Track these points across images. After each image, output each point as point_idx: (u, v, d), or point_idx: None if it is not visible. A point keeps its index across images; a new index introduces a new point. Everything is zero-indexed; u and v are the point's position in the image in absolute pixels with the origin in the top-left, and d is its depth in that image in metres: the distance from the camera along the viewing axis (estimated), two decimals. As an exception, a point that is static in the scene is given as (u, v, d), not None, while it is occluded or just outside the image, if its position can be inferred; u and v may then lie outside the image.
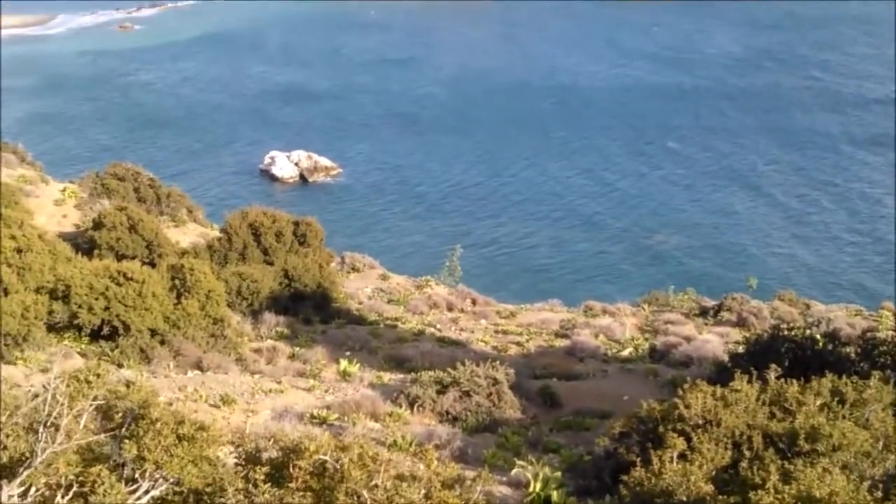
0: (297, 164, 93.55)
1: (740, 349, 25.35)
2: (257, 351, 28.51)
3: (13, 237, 25.71)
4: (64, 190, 43.33)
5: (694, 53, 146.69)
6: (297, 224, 37.81)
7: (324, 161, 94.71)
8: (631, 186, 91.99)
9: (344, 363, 27.31)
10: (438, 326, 37.09)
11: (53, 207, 41.54)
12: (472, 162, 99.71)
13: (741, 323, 37.21)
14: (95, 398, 10.47)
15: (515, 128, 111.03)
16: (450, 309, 41.06)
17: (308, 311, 35.57)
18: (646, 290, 47.69)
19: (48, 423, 9.91)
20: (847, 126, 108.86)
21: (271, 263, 36.07)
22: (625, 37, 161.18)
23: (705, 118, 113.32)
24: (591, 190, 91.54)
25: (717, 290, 50.35)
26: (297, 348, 29.38)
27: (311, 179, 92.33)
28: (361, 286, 43.43)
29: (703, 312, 40.73)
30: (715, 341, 32.58)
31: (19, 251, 25.21)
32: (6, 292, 22.92)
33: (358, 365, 27.51)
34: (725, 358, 25.84)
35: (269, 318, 32.21)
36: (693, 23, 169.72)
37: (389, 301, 41.64)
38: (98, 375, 10.72)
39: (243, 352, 27.57)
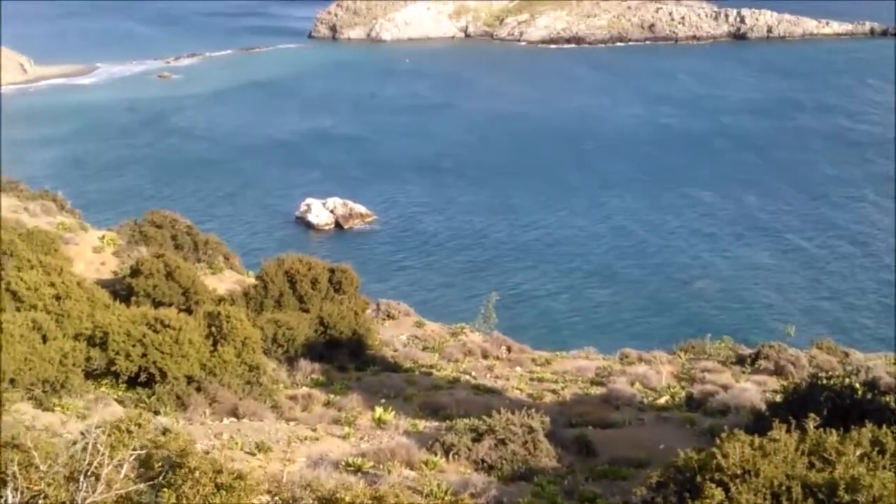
0: (332, 212, 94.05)
1: (778, 398, 25.02)
2: (293, 398, 28.49)
3: (52, 284, 26.00)
4: (102, 237, 43.73)
5: (719, 100, 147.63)
6: (332, 271, 37.90)
7: (359, 208, 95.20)
8: (657, 234, 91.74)
9: (379, 410, 27.24)
10: (473, 374, 36.93)
11: (92, 255, 41.91)
12: (502, 208, 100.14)
13: (779, 371, 36.78)
14: (135, 448, 10.54)
15: (542, 174, 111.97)
16: (485, 356, 40.89)
17: (343, 358, 35.53)
18: (680, 339, 47.35)
19: (88, 473, 9.97)
20: (872, 174, 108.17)
21: (307, 310, 36.14)
22: (652, 84, 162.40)
23: (729, 165, 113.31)
24: (618, 238, 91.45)
25: (750, 338, 49.95)
26: (333, 395, 29.35)
27: (346, 226, 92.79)
28: (396, 333, 43.38)
29: (740, 360, 40.31)
30: (752, 390, 32.21)
31: (58, 298, 25.48)
32: (45, 339, 23.12)
33: (393, 412, 27.42)
34: (763, 407, 25.50)
35: (305, 365, 32.22)
36: (720, 69, 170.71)
37: (424, 348, 41.54)
38: (139, 425, 10.80)
39: (279, 399, 27.57)
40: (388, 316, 46.21)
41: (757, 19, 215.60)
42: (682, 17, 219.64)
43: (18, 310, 24.16)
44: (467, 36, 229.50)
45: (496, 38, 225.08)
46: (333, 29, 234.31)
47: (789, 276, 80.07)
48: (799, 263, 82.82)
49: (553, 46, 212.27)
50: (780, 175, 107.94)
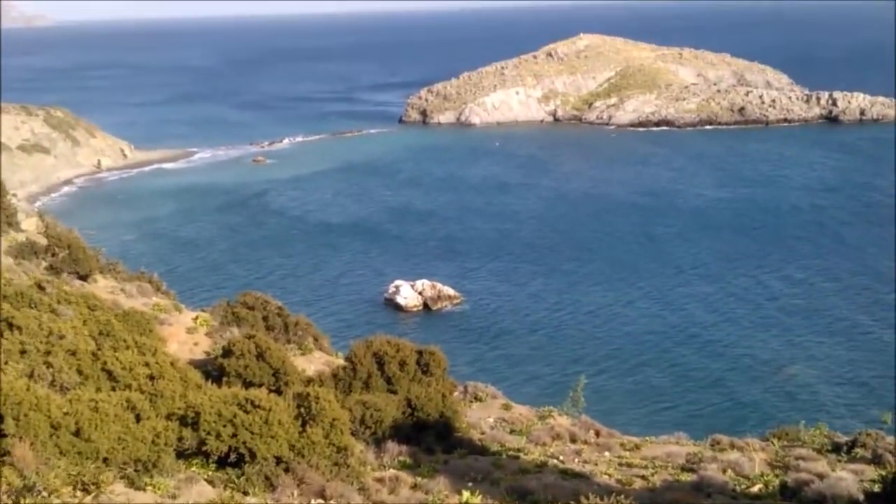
0: (420, 293, 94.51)
1: (876, 488, 24.30)
2: (380, 480, 28.41)
3: (147, 364, 26.51)
4: (196, 318, 44.47)
5: (801, 183, 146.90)
6: (420, 353, 37.96)
7: (447, 290, 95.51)
8: (750, 314, 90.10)
9: (466, 494, 27.01)
10: (561, 458, 36.44)
11: (186, 335, 42.62)
12: (587, 288, 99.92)
13: (876, 460, 35.63)
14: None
15: (626, 251, 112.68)
16: (573, 440, 40.35)
17: (430, 440, 35.39)
18: (774, 424, 46.24)
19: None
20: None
21: (395, 392, 36.19)
22: (735, 166, 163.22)
23: (826, 242, 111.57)
24: (708, 316, 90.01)
25: (845, 425, 48.61)
26: (420, 478, 29.21)
27: (434, 308, 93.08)
28: (484, 416, 43.13)
29: (836, 448, 39.13)
30: (849, 479, 31.19)
31: (152, 378, 25.95)
32: (138, 419, 23.51)
33: (480, 496, 27.15)
34: (861, 497, 24.78)
35: (392, 446, 32.15)
36: (807, 152, 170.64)
37: (511, 431, 41.19)
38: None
39: (366, 481, 27.52)
40: (476, 398, 46.00)
41: (849, 102, 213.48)
42: (773, 101, 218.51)
43: (114, 389, 24.66)
44: (556, 120, 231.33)
45: (585, 121, 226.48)
46: (424, 113, 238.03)
47: (878, 367, 77.72)
48: (877, 352, 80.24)
49: (641, 129, 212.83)
50: (857, 261, 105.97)
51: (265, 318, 45.63)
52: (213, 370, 34.99)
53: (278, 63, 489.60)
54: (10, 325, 27.33)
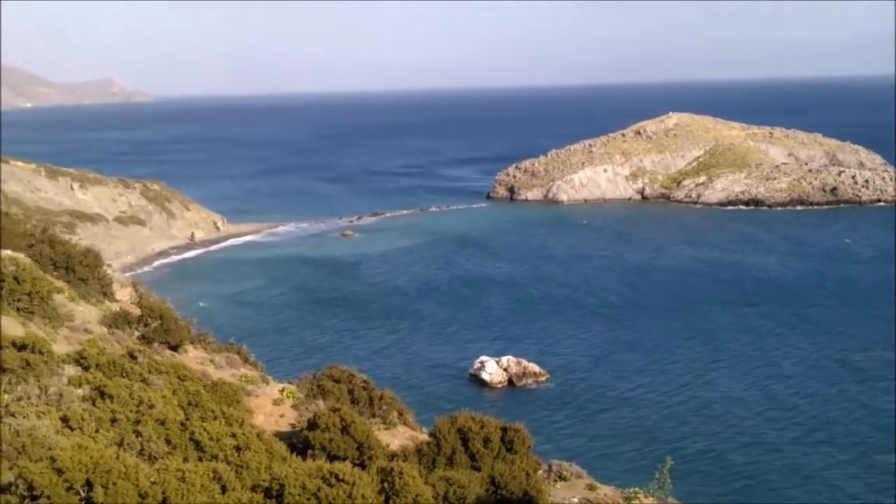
0: (505, 370, 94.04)
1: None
2: (462, 559, 28.14)
3: (234, 435, 26.72)
4: (282, 390, 44.78)
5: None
6: (504, 430, 37.65)
7: (532, 367, 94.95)
8: (836, 396, 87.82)
9: (549, 576, 26.62)
10: (647, 541, 35.79)
11: (272, 406, 42.89)
12: (668, 365, 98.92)
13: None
14: None
15: (707, 326, 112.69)
16: (659, 524, 39.56)
17: (514, 519, 34.97)
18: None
19: None
20: None
21: (478, 469, 35.89)
22: (824, 243, 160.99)
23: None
24: (790, 397, 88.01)
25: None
26: (502, 558, 28.87)
27: (519, 384, 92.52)
28: (568, 495, 42.51)
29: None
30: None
31: (238, 449, 26.13)
32: (224, 489, 23.65)
33: (563, 579, 26.75)
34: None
35: (475, 525, 31.85)
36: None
37: (597, 512, 40.53)
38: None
39: (448, 559, 27.28)
40: (560, 477, 45.41)
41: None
42: (866, 181, 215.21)
43: (200, 459, 24.88)
44: (644, 198, 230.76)
45: (673, 199, 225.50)
46: (511, 190, 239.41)
47: None
48: None
49: (730, 208, 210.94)
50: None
51: (350, 392, 45.76)
52: (298, 442, 35.09)
53: (364, 138, 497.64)
54: (102, 394, 27.83)
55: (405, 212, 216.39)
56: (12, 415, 24.44)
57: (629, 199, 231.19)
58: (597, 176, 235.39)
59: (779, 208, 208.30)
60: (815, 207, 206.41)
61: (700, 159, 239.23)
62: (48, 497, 18.50)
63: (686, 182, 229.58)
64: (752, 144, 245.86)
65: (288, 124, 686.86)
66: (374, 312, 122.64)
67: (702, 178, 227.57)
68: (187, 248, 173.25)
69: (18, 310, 37.51)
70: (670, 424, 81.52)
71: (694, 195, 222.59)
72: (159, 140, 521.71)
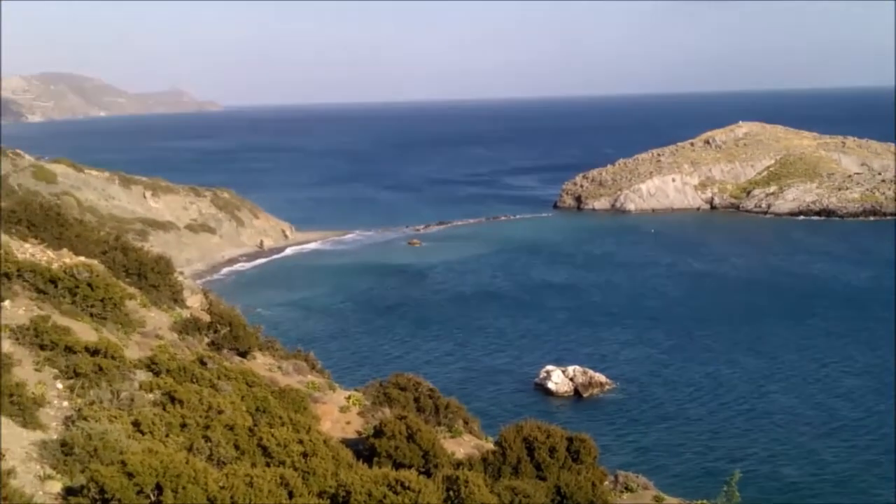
0: (572, 379, 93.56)
1: None
2: (527, 569, 28.03)
3: (301, 442, 26.91)
4: (349, 397, 44.98)
5: None
6: (570, 440, 37.46)
7: (599, 377, 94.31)
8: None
9: (615, 588, 26.42)
10: (715, 555, 35.34)
11: (339, 414, 43.09)
12: (735, 374, 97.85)
13: None
14: None
15: (770, 335, 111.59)
16: (727, 537, 39.04)
17: (579, 530, 34.75)
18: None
19: None
20: None
21: (544, 479, 35.74)
22: (886, 251, 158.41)
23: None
24: (852, 411, 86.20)
25: None
26: (568, 569, 28.71)
27: (585, 395, 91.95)
28: (634, 507, 42.18)
29: None
30: None
31: (305, 455, 26.30)
32: (291, 495, 23.81)
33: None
34: None
35: (540, 535, 31.73)
36: None
37: (663, 525, 40.16)
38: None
39: (513, 569, 27.18)
40: (627, 488, 45.02)
41: None
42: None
43: (268, 465, 25.09)
44: (713, 207, 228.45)
45: (742, 209, 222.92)
46: (578, 199, 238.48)
47: None
48: None
49: (801, 218, 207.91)
50: None
51: (416, 400, 45.85)
52: (363, 450, 35.24)
53: (428, 147, 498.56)
54: (173, 399, 28.20)
55: (472, 220, 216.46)
56: (85, 419, 24.86)
57: (698, 208, 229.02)
58: (665, 185, 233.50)
59: (851, 219, 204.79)
60: (889, 218, 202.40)
61: (770, 169, 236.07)
62: (119, 500, 18.77)
63: (756, 192, 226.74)
64: (823, 154, 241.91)
65: (351, 134, 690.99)
66: (438, 320, 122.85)
67: (772, 188, 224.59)
68: (256, 255, 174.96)
69: (92, 315, 38.14)
70: (730, 436, 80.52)
71: (764, 205, 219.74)
72: (228, 149, 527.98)
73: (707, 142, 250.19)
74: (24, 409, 25.24)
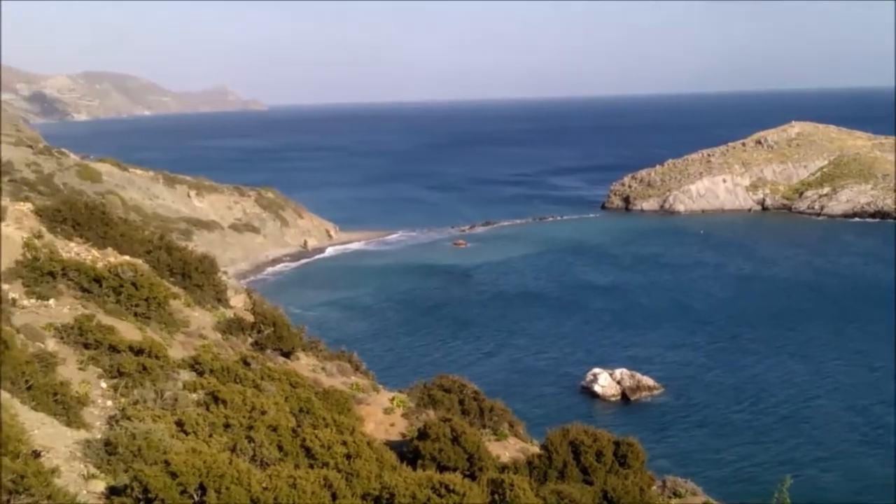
0: (619, 383, 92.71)
1: None
2: (574, 575, 27.58)
3: (344, 443, 26.63)
4: (393, 399, 44.73)
5: None
6: (617, 444, 36.94)
7: (646, 380, 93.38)
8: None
9: None
10: (765, 562, 34.67)
11: (382, 415, 42.84)
12: (781, 377, 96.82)
13: None
14: None
15: (815, 337, 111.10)
16: (777, 544, 38.32)
17: (626, 535, 34.21)
18: None
19: None
20: None
21: (590, 483, 35.26)
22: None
23: None
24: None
25: None
26: (615, 575, 28.21)
27: (632, 398, 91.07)
28: (683, 513, 41.55)
29: None
30: None
31: (349, 457, 26.01)
32: (334, 497, 23.52)
33: None
34: None
35: (587, 540, 31.26)
36: None
37: (712, 531, 39.52)
38: None
39: (559, 575, 26.74)
40: (675, 494, 44.39)
41: None
42: None
43: (311, 466, 24.84)
44: (764, 209, 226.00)
45: (795, 210, 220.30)
46: (626, 200, 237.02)
47: None
48: None
49: (856, 220, 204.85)
50: None
51: (461, 402, 45.47)
52: (408, 452, 34.92)
53: (472, 146, 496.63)
54: (216, 399, 28.04)
55: (518, 221, 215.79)
56: (128, 418, 24.75)
57: (749, 210, 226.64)
58: (715, 186, 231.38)
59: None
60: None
61: (824, 169, 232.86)
62: (162, 500, 18.61)
63: (809, 193, 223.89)
64: (879, 154, 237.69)
65: (394, 133, 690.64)
66: (481, 321, 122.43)
67: (825, 189, 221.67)
68: (300, 255, 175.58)
69: (136, 315, 38.17)
70: (774, 441, 79.51)
71: (817, 206, 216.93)
72: (272, 148, 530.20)
73: (758, 142, 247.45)
74: (68, 409, 25.19)
